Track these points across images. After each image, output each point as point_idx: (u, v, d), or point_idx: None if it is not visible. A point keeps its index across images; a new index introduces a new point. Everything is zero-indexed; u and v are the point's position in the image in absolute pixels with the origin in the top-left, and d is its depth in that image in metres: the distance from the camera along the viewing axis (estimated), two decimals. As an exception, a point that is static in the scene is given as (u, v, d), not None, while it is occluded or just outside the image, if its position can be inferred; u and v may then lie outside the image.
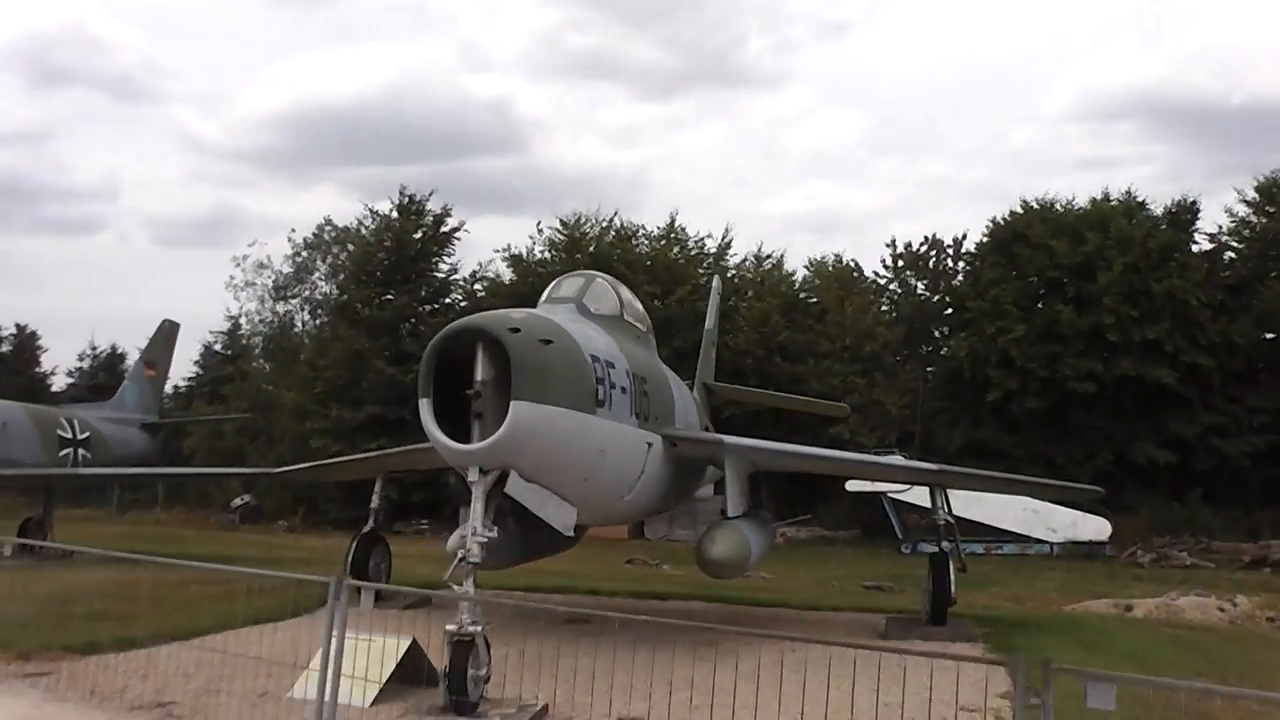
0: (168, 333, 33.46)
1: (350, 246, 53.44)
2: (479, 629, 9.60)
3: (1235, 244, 42.05)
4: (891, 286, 46.98)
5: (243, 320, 62.04)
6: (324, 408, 46.58)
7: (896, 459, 21.14)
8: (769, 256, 49.07)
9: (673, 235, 48.81)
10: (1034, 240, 40.94)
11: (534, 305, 45.57)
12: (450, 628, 9.56)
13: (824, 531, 42.86)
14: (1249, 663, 14.60)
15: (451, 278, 51.31)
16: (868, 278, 47.41)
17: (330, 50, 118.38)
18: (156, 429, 32.11)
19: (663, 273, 45.63)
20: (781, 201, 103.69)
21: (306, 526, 44.76)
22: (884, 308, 46.51)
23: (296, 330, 59.00)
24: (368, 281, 49.81)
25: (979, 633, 15.46)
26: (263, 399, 54.37)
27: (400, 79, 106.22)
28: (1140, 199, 42.37)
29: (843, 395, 38.16)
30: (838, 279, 45.96)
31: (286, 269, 59.07)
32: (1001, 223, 43.27)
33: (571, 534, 12.19)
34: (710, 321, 26.37)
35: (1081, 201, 43.07)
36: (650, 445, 13.39)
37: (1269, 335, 39.83)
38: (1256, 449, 38.09)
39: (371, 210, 51.51)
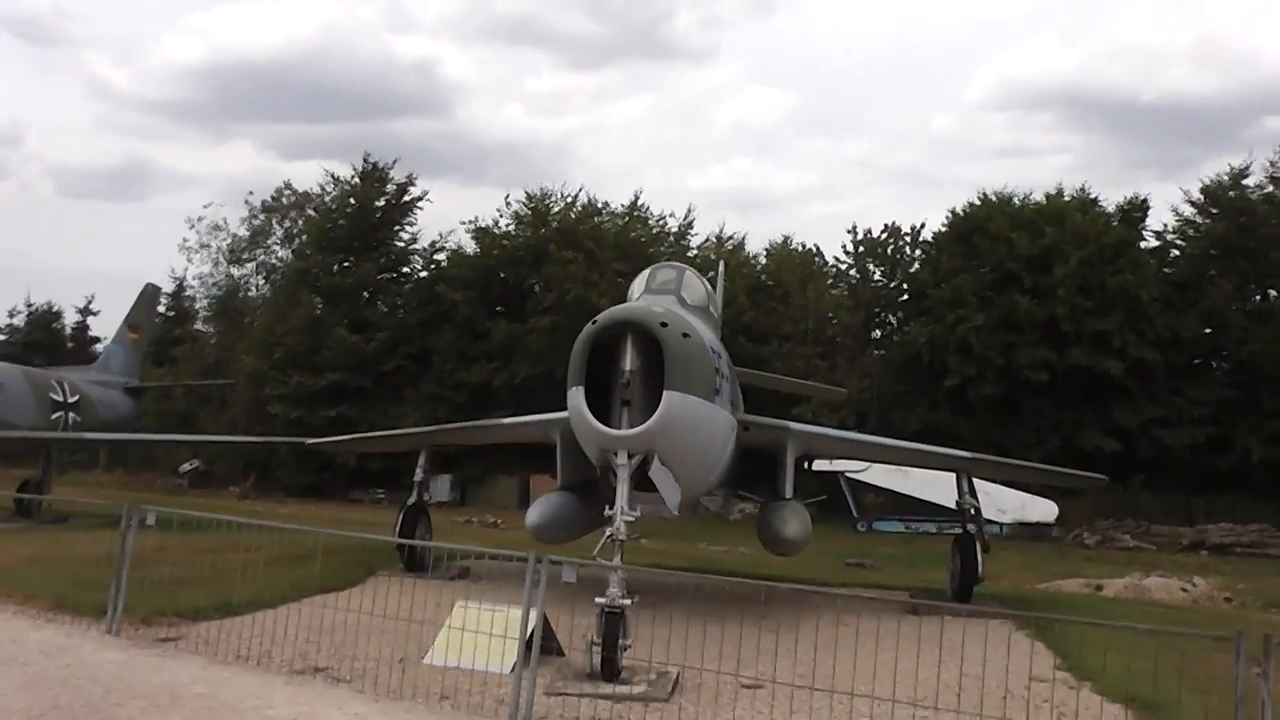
0: (151, 296, 33.19)
1: (311, 212, 52.97)
2: (629, 602, 10.21)
3: (1180, 243, 43.97)
4: (851, 273, 48.05)
5: (195, 282, 61.29)
6: (283, 374, 46.41)
7: (927, 446, 22.20)
8: (730, 238, 50.00)
9: (636, 214, 49.25)
10: (993, 232, 42.27)
11: (500, 278, 45.73)
12: (601, 600, 10.16)
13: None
14: None
15: (411, 247, 51.39)
16: (828, 263, 48.53)
17: (251, 3, 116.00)
18: (139, 393, 31.89)
19: (630, 250, 46.10)
20: (706, 177, 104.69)
21: (259, 493, 44.70)
22: (844, 292, 47.59)
23: (251, 295, 58.27)
24: (329, 248, 49.60)
25: (1006, 612, 16.41)
26: (214, 363, 53.91)
27: (323, 36, 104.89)
28: (1093, 196, 44.06)
29: (806, 376, 39.12)
30: (800, 263, 46.96)
31: (243, 232, 58.33)
32: (962, 214, 44.56)
33: (677, 512, 12.87)
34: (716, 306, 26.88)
35: (1038, 196, 44.63)
36: (734, 430, 14.11)
37: (1208, 330, 41.71)
38: (1195, 440, 39.97)
39: (333, 176, 51.29)
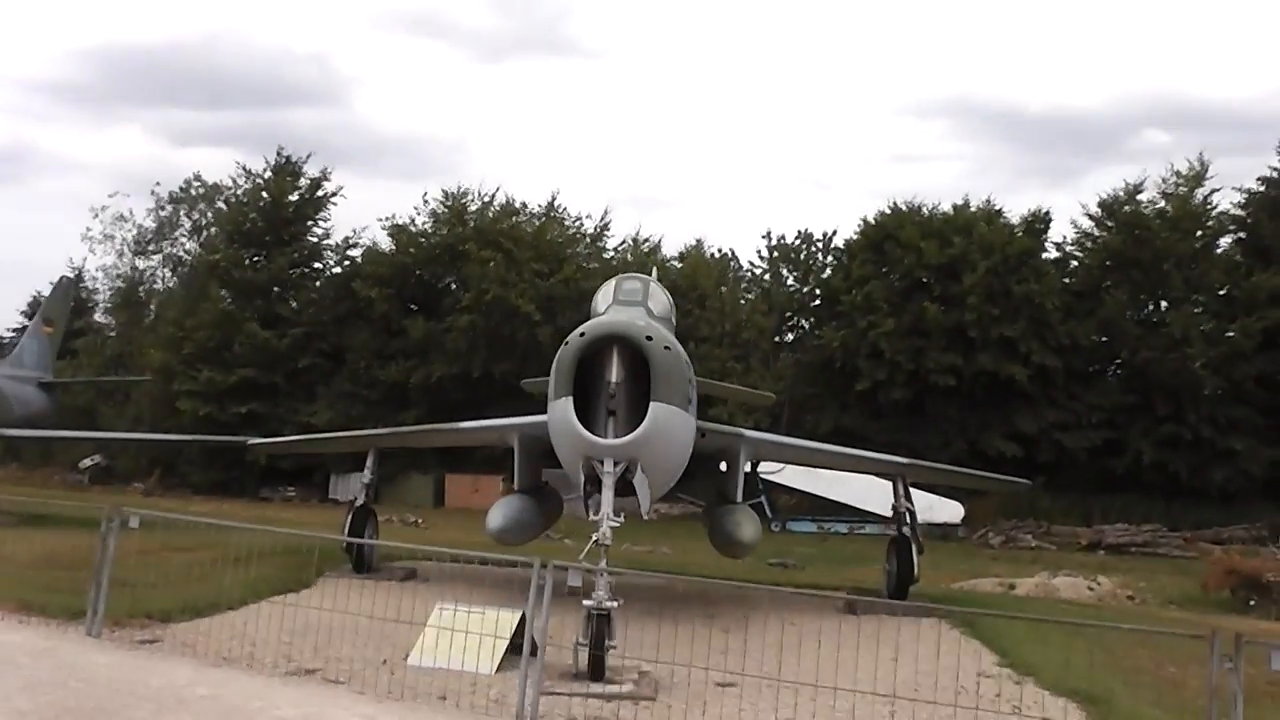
0: (65, 288, 32.31)
1: (221, 204, 51.96)
2: (615, 604, 10.56)
3: (1079, 254, 45.84)
4: (765, 277, 48.96)
5: (99, 274, 59.56)
6: (193, 369, 45.54)
7: (867, 452, 22.98)
8: (646, 240, 50.46)
9: (553, 214, 49.41)
10: (904, 241, 43.52)
11: (417, 276, 45.39)
12: (589, 603, 10.49)
13: (694, 508, 44.60)
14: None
15: (324, 242, 50.80)
16: (743, 267, 49.40)
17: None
18: (52, 388, 31.08)
19: (548, 250, 46.34)
20: (605, 174, 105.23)
21: (164, 490, 43.87)
22: (758, 297, 48.42)
23: (157, 287, 56.93)
24: (240, 241, 48.79)
25: (939, 609, 17.18)
26: (116, 356, 52.64)
27: (218, 21, 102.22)
28: (998, 207, 45.62)
29: (722, 379, 39.79)
30: (716, 266, 47.73)
31: (150, 223, 56.94)
32: (873, 222, 45.78)
33: (648, 516, 13.28)
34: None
35: (945, 206, 46.07)
36: (694, 435, 14.56)
37: (1105, 339, 43.54)
38: (1092, 443, 41.71)
39: (245, 168, 50.42)
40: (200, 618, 11.88)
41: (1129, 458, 41.19)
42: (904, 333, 41.93)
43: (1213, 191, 44.26)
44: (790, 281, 48.70)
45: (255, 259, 48.51)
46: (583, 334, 11.83)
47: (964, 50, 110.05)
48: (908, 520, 18.41)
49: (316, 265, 51.09)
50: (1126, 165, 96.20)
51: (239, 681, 9.37)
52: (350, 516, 18.43)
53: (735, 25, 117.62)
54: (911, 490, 37.50)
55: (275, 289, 48.70)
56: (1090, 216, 45.40)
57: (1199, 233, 43.54)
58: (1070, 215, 46.85)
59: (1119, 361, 43.33)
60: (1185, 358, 40.20)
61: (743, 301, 47.75)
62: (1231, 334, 40.70)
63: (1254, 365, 40.65)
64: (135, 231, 57.00)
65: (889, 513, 39.56)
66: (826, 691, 9.90)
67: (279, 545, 17.97)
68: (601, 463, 11.48)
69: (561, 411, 11.67)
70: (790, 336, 49.21)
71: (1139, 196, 44.35)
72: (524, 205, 49.17)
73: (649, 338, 11.66)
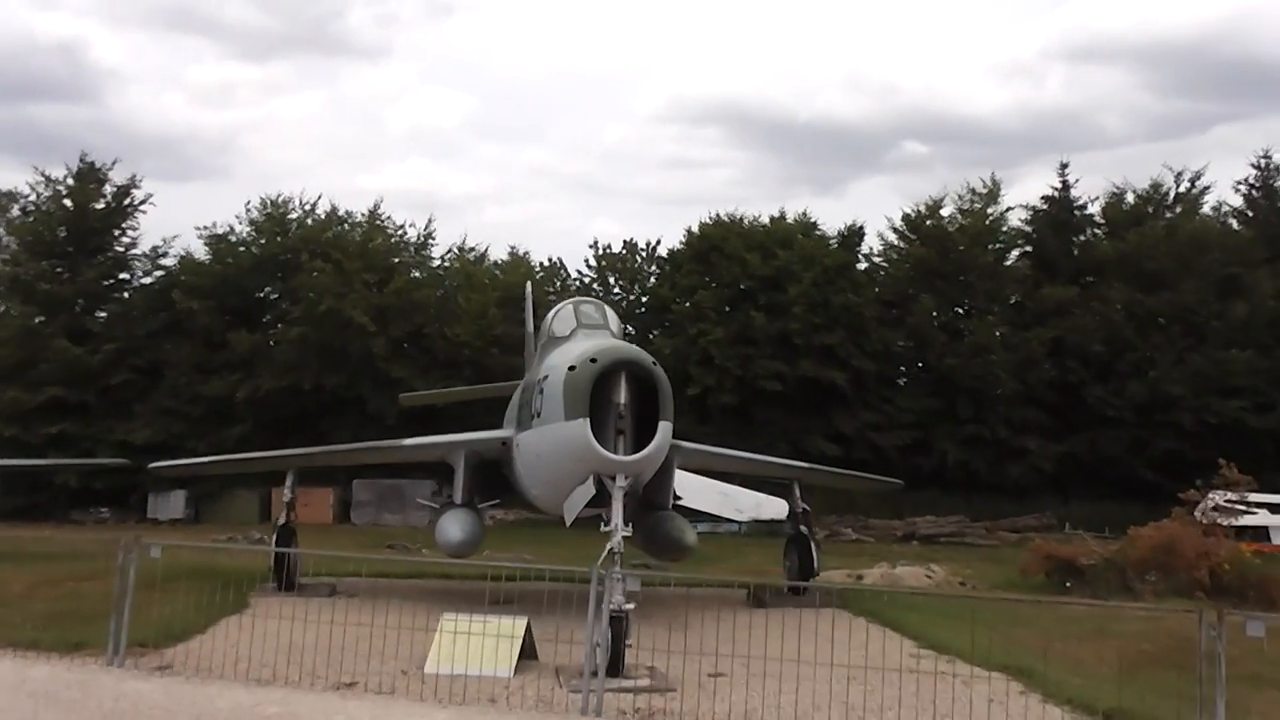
0: None
1: (17, 212, 48.83)
2: (632, 606, 11.27)
3: (885, 265, 48.99)
4: (595, 286, 50.00)
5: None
6: (-6, 388, 42.91)
7: (771, 458, 24.36)
8: (472, 249, 50.70)
9: (376, 223, 48.94)
10: (729, 252, 45.50)
11: (239, 287, 43.87)
12: (610, 606, 11.16)
13: (526, 514, 45.14)
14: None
15: (132, 252, 48.62)
16: (571, 275, 50.25)
17: None
18: None
19: (374, 259, 45.95)
20: (380, 177, 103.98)
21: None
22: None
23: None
24: (41, 253, 46.15)
25: (834, 599, 18.56)
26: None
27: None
28: (813, 220, 48.23)
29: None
30: (546, 274, 48.47)
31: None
32: (698, 233, 47.57)
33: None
34: (530, 327, 27.98)
35: (764, 219, 48.35)
36: None
37: (914, 345, 46.67)
38: (903, 442, 44.71)
39: (45, 175, 47.66)
40: (180, 642, 11.87)
41: (935, 456, 44.38)
42: (732, 340, 43.81)
43: (1007, 210, 48.42)
44: (616, 290, 49.90)
45: (59, 271, 46.03)
46: (594, 360, 12.58)
47: (736, 58, 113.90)
48: (804, 519, 19.74)
49: (123, 276, 48.85)
50: (887, 176, 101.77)
51: (296, 698, 9.61)
52: (275, 536, 18.54)
53: (511, 20, 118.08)
54: (741, 489, 39.71)
55: (81, 301, 46.31)
56: (895, 230, 48.78)
57: (995, 246, 47.41)
58: (878, 228, 49.93)
59: (927, 367, 46.41)
60: (986, 363, 43.71)
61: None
62: (1025, 341, 44.39)
63: (1044, 371, 44.64)
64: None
65: (719, 511, 41.72)
66: (807, 669, 10.83)
67: (174, 567, 17.92)
68: (613, 478, 12.28)
69: (577, 431, 12.39)
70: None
71: (941, 212, 47.86)
72: (348, 214, 48.61)
73: (654, 363, 12.60)
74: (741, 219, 47.89)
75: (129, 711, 8.91)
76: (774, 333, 43.68)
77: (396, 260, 47.83)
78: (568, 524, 14.49)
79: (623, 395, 12.66)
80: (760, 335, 43.72)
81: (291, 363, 42.77)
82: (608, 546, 12.17)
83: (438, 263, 49.66)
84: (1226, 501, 34.47)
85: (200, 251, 47.30)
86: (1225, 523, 29.55)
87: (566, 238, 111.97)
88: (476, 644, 11.05)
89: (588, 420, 12.58)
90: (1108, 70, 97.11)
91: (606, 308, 17.09)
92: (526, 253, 50.96)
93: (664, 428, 12.83)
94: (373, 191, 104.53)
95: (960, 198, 48.24)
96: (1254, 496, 33.62)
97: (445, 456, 18.09)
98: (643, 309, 49.02)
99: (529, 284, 30.76)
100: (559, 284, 49.45)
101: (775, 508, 41.27)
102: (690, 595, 17.99)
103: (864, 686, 11.08)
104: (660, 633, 12.55)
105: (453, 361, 43.92)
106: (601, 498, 12.85)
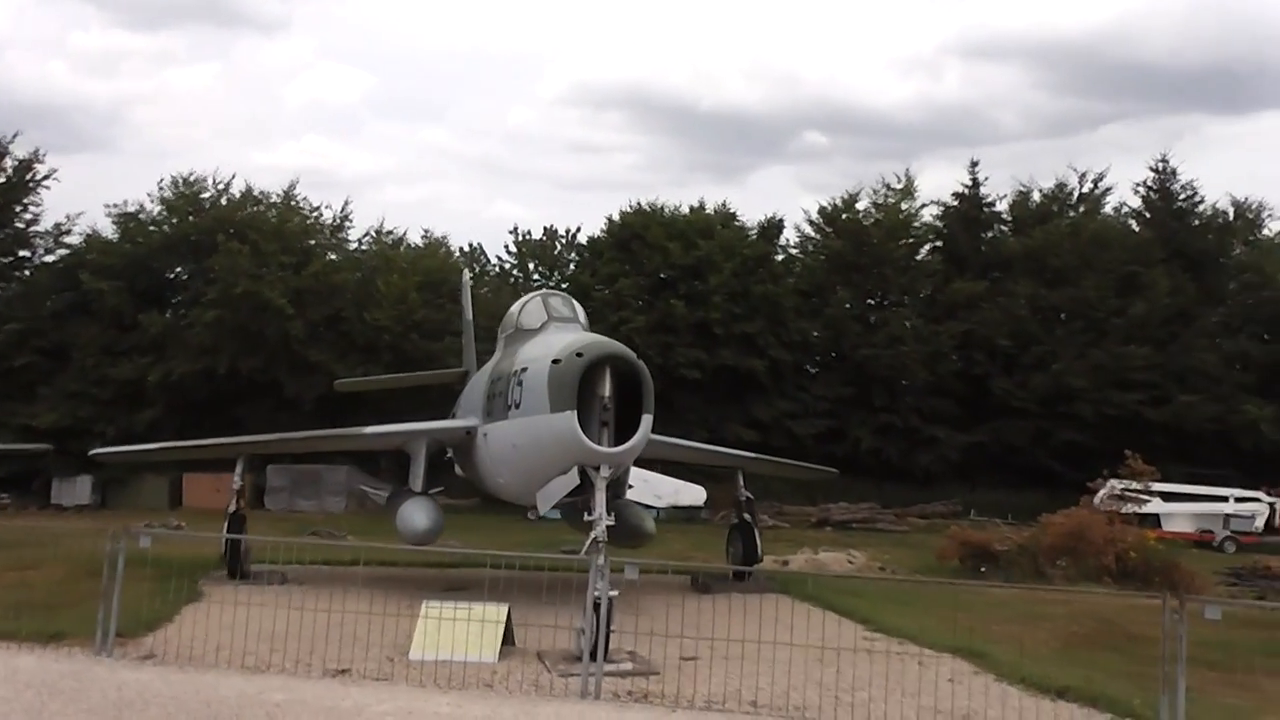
0: None
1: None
2: (615, 593, 11.57)
3: (802, 257, 49.94)
4: (515, 272, 50.00)
5: None
6: (-117, 372, 41.25)
7: (719, 448, 24.82)
8: (389, 233, 50.16)
9: (291, 204, 48.10)
10: (650, 241, 45.91)
11: (150, 267, 42.66)
12: (594, 593, 11.44)
13: (449, 500, 45.06)
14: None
15: (33, 229, 46.95)
16: (490, 261, 50.19)
17: None
18: None
19: (290, 241, 45.23)
20: (276, 154, 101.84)
21: None
22: (510, 291, 49.30)
23: None
24: (-64, 231, 44.43)
25: (775, 584, 19.14)
26: None
27: None
28: (732, 211, 48.97)
29: (479, 372, 40.56)
30: (466, 260, 48.31)
31: None
32: (619, 221, 47.88)
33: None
34: (469, 313, 27.99)
35: (684, 209, 48.83)
36: None
37: (830, 335, 47.65)
38: (818, 430, 45.70)
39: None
40: (151, 631, 11.86)
41: (849, 443, 45.47)
42: (653, 328, 44.21)
43: (923, 206, 49.72)
44: (536, 277, 49.97)
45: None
46: (580, 354, 12.82)
47: (639, 43, 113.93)
48: (749, 507, 20.30)
49: (24, 254, 47.21)
50: (788, 165, 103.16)
51: (297, 685, 9.70)
52: (226, 525, 18.38)
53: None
54: (660, 476, 40.23)
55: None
56: (811, 223, 49.77)
57: (909, 241, 48.70)
58: (795, 221, 50.78)
59: (843, 357, 47.38)
60: (898, 354, 44.92)
61: (488, 294, 48.42)
62: (936, 334, 45.72)
63: (953, 362, 46.03)
64: None
65: (638, 498, 42.15)
66: (768, 650, 11.36)
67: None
68: (597, 468, 12.56)
69: (564, 423, 12.63)
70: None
71: (857, 206, 48.95)
72: (263, 194, 47.69)
73: (636, 358, 12.89)
74: (662, 208, 48.35)
75: (136, 700, 8.90)
76: (694, 321, 44.25)
77: (312, 242, 47.10)
78: (541, 513, 14.80)
79: (607, 389, 12.96)
80: (681, 324, 44.25)
81: (206, 345, 41.91)
82: (591, 535, 12.51)
83: (355, 246, 49.07)
84: (1122, 490, 36.30)
85: (108, 230, 46.02)
86: (1121, 510, 31.14)
87: (468, 219, 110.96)
88: (460, 630, 11.26)
89: (575, 413, 12.88)
90: (1004, 68, 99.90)
91: (574, 302, 17.47)
92: (445, 236, 50.71)
93: (646, 420, 13.22)
94: (266, 168, 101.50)
95: (875, 192, 49.48)
96: (1156, 486, 35.43)
97: (405, 445, 18.16)
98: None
99: (466, 273, 30.76)
100: (478, 269, 49.37)
101: (693, 494, 42.05)
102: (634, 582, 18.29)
103: (833, 667, 11.57)
104: (625, 619, 12.90)
105: (372, 346, 43.52)
106: (582, 488, 13.20)
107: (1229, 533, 38.30)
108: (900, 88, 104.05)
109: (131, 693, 9.19)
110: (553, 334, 15.81)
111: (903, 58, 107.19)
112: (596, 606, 11.45)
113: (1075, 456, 44.96)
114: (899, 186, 49.22)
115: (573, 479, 13.39)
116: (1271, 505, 39.63)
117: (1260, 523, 39.24)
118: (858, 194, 49.34)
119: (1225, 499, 39.69)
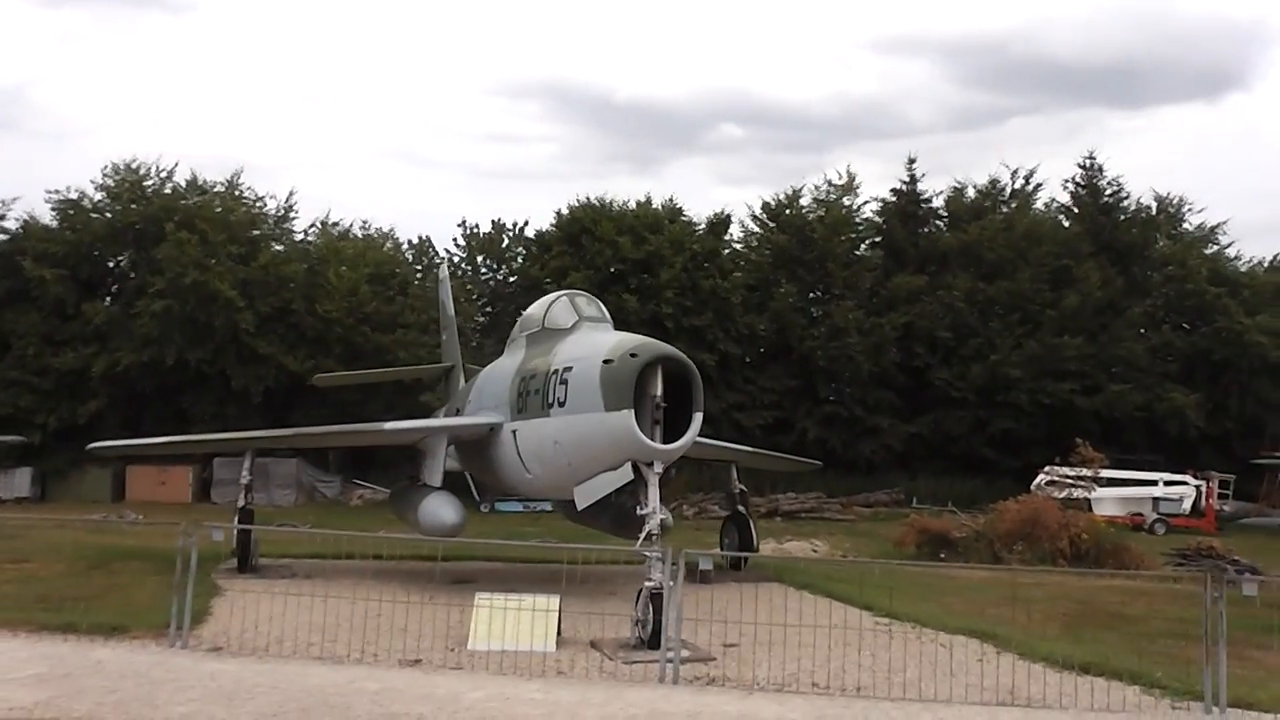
0: None
1: None
2: (672, 584, 12.07)
3: (747, 252, 50.80)
4: (465, 266, 50.03)
5: None
6: None
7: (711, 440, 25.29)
8: (336, 224, 49.82)
9: (236, 194, 47.52)
10: (600, 235, 46.35)
11: (94, 256, 42.11)
12: (649, 583, 11.95)
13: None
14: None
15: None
16: (440, 254, 50.12)
17: None
18: None
19: (237, 231, 44.75)
20: (188, 139, 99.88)
21: None
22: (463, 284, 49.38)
23: None
24: None
25: (773, 572, 19.80)
26: None
27: None
28: (678, 206, 49.63)
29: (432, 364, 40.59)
30: (416, 252, 48.27)
31: None
32: (568, 216, 48.23)
33: None
34: (451, 309, 28.17)
35: (631, 204, 49.37)
36: None
37: (777, 329, 48.55)
38: (766, 421, 46.62)
39: None
40: (197, 625, 12.10)
41: (795, 434, 46.45)
42: (605, 322, 44.53)
43: (865, 202, 50.92)
44: (484, 271, 50.10)
45: None
46: (634, 354, 13.30)
47: (555, 34, 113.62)
48: (742, 499, 20.98)
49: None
50: (704, 157, 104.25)
51: (385, 674, 10.05)
52: (238, 519, 18.47)
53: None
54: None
55: None
56: (755, 218, 50.67)
57: (851, 236, 49.89)
58: (740, 216, 51.63)
59: (789, 350, 48.31)
60: (843, 346, 46.00)
61: (431, 286, 48.40)
62: (878, 326, 46.89)
63: (895, 354, 47.27)
64: None
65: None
66: (793, 633, 11.95)
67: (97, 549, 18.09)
68: (650, 464, 13.07)
69: (621, 421, 13.10)
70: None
71: (800, 202, 49.96)
72: (207, 183, 47.05)
73: (687, 359, 13.45)
74: (611, 203, 48.79)
75: (240, 690, 9.16)
76: (646, 315, 44.76)
77: (257, 233, 46.71)
78: (579, 508, 15.24)
79: (659, 388, 13.54)
80: (633, 317, 44.62)
81: (153, 336, 41.32)
82: (646, 529, 13.03)
83: (300, 237, 48.68)
84: (1059, 476, 37.82)
85: (46, 216, 45.04)
86: (1058, 496, 32.54)
87: (383, 209, 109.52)
88: (515, 620, 11.70)
89: (632, 412, 13.39)
90: (916, 62, 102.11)
91: (599, 301, 17.93)
92: (392, 228, 50.57)
93: (697, 418, 13.79)
94: (174, 154, 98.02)
95: (817, 188, 50.57)
96: (1087, 472, 36.95)
97: (424, 441, 18.47)
98: (512, 288, 49.41)
99: (444, 268, 30.89)
100: (427, 261, 49.37)
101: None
102: (624, 572, 18.79)
103: (866, 650, 12.25)
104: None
105: (322, 339, 43.30)
106: (635, 483, 13.77)
107: (1158, 515, 40.03)
108: (814, 81, 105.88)
109: (228, 682, 9.46)
110: (590, 334, 16.33)
111: (817, 51, 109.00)
112: (652, 596, 11.99)
113: (1011, 445, 46.69)
114: (840, 183, 50.40)
115: (623, 475, 13.90)
116: (1198, 488, 41.60)
117: (1187, 505, 41.17)
118: (800, 190, 50.50)
119: (1154, 483, 41.54)
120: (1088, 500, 38.45)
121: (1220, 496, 42.30)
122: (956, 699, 10.14)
